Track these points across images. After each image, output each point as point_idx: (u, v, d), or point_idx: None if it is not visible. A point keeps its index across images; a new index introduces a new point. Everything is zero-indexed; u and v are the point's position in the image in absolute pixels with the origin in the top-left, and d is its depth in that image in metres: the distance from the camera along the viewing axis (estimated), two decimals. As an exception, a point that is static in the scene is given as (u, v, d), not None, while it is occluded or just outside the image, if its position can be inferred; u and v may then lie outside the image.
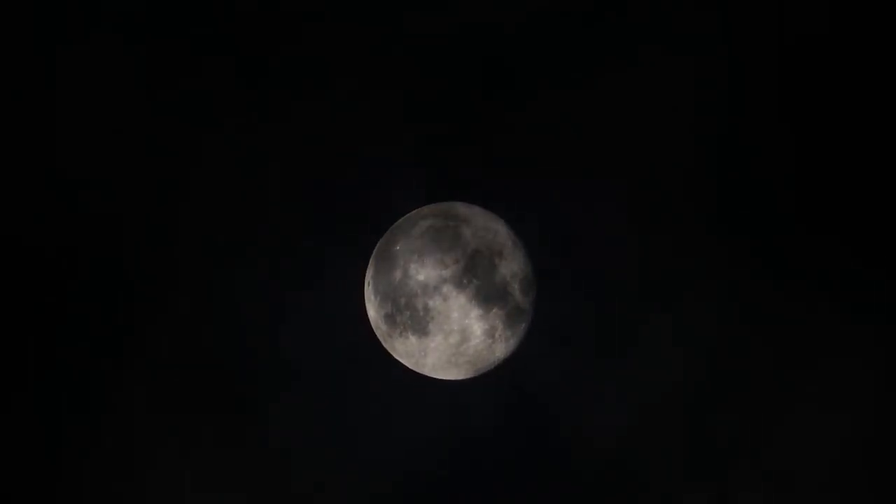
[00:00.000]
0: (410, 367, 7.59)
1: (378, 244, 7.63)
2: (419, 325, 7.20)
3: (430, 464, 8.40)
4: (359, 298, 7.80)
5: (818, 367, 8.13)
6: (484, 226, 7.46)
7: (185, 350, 8.26)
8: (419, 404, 8.27)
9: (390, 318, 7.37)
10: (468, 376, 7.70)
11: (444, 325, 7.16)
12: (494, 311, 7.27)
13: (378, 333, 7.65)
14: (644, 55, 8.12)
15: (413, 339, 7.29)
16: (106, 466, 8.23)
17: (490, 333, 7.33)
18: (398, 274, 7.25)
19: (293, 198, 8.35)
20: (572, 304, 8.19)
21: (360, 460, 8.36)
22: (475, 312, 7.19)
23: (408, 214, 7.64)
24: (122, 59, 8.10)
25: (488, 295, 7.21)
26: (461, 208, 7.62)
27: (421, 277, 7.13)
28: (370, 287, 7.58)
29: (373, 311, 7.59)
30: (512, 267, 7.40)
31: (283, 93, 8.26)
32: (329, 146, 8.33)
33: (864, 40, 8.04)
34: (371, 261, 7.64)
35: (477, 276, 7.17)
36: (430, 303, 7.11)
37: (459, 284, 7.11)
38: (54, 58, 8.11)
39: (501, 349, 7.54)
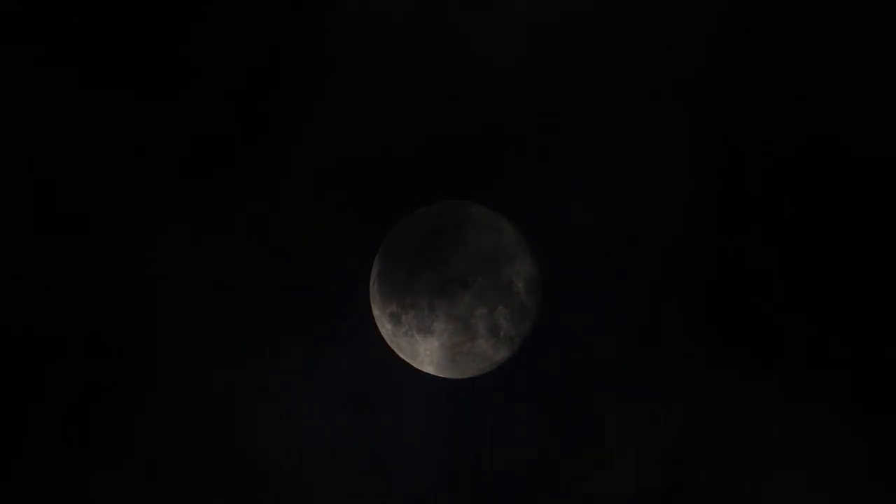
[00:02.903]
0: (415, 366, 7.59)
1: (383, 243, 7.64)
2: (424, 323, 7.22)
3: (431, 463, 8.40)
4: (364, 298, 7.81)
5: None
6: (489, 225, 7.48)
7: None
8: (421, 403, 8.27)
9: (395, 317, 7.38)
10: (471, 375, 7.71)
11: (449, 323, 7.17)
12: (499, 309, 7.29)
13: (383, 332, 7.66)
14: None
15: (418, 337, 7.30)
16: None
17: (494, 332, 7.34)
18: (403, 273, 7.25)
19: (296, 197, 8.35)
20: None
21: (363, 459, 8.36)
22: (479, 311, 7.20)
23: (413, 213, 7.65)
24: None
25: (493, 294, 7.23)
26: (465, 208, 7.64)
27: (426, 276, 7.14)
28: (375, 286, 7.58)
29: (377, 309, 7.59)
30: (516, 266, 7.42)
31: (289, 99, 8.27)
32: (329, 144, 8.34)
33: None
34: (376, 260, 7.64)
35: (481, 275, 7.18)
36: (435, 301, 7.12)
37: (464, 283, 7.12)
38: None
39: (505, 348, 7.56)
